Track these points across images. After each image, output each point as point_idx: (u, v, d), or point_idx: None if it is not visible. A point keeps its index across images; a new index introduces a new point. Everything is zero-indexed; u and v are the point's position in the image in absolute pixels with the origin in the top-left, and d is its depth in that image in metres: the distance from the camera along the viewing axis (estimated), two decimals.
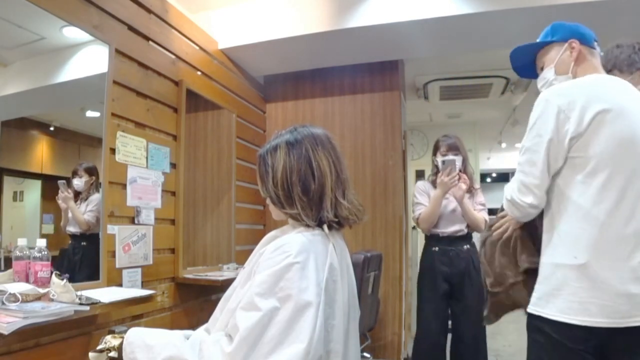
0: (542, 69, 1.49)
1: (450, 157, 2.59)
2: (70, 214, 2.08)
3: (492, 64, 3.92)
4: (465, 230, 2.63)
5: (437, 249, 2.62)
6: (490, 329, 4.31)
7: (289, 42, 3.12)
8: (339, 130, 3.63)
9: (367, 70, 3.63)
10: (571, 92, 1.26)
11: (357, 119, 3.66)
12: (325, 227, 1.09)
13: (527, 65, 1.55)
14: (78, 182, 2.10)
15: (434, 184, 2.69)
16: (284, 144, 1.11)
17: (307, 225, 1.08)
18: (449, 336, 2.71)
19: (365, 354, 3.13)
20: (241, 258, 3.05)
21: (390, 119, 3.59)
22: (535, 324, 1.27)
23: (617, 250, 1.16)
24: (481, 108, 5.27)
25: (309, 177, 1.07)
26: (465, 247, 2.61)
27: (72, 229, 2.08)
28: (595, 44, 1.43)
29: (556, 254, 1.25)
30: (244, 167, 3.43)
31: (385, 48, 3.26)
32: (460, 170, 2.59)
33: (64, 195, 2.06)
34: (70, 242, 2.10)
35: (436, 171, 2.70)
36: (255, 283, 0.96)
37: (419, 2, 2.79)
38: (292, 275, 0.95)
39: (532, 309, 1.28)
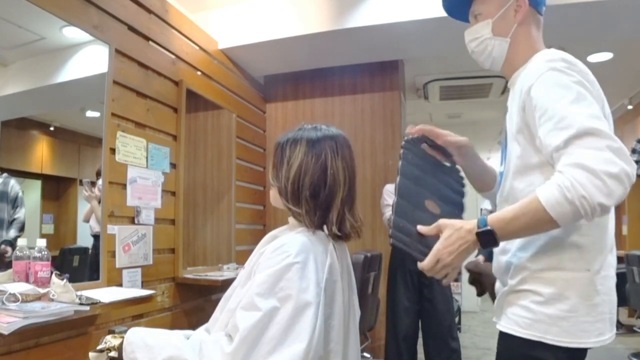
0: (476, 17, 1.18)
1: None
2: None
3: None
4: None
5: None
6: (491, 330, 4.29)
7: (289, 42, 3.12)
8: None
9: (367, 70, 3.63)
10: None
11: (357, 119, 3.66)
12: (325, 227, 1.08)
13: (460, 4, 1.21)
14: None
15: None
16: (305, 141, 1.08)
17: (307, 226, 1.08)
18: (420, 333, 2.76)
19: (365, 354, 3.13)
20: (241, 258, 3.05)
21: (390, 119, 3.59)
22: (532, 352, 0.97)
23: (612, 255, 1.02)
24: (481, 108, 5.27)
25: (320, 183, 1.05)
26: None
27: (96, 227, 2.13)
28: (544, 9, 1.14)
29: (561, 265, 0.98)
30: (244, 167, 3.43)
31: (385, 48, 3.26)
32: None
33: (87, 195, 2.13)
34: (92, 241, 2.16)
35: None
36: (255, 283, 0.96)
37: (419, 2, 2.79)
38: (292, 275, 0.94)
39: (524, 332, 0.98)
